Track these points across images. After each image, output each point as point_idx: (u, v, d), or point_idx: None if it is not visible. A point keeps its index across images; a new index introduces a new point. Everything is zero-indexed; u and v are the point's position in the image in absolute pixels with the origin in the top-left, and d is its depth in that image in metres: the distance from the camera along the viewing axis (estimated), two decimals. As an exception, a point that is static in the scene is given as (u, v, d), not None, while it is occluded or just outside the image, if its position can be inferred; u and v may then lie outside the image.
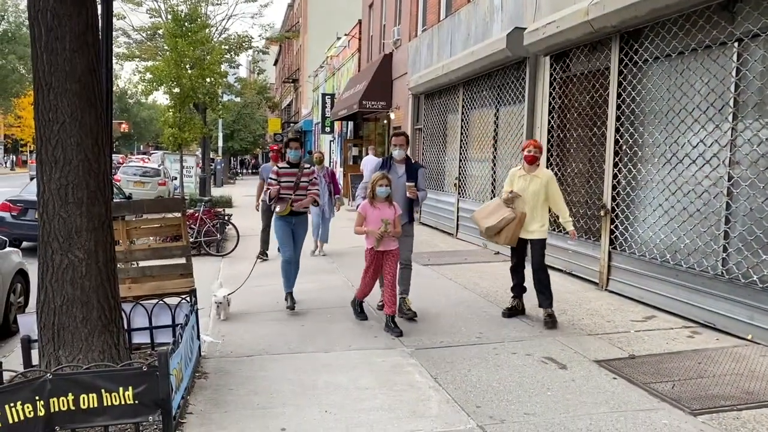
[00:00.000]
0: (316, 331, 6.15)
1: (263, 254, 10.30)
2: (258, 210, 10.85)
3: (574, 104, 8.89)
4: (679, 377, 4.85)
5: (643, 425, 4.04)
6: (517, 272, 6.66)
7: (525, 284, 6.66)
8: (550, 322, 6.22)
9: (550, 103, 9.38)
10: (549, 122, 9.42)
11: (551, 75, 9.33)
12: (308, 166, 7.18)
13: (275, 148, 11.45)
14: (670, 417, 4.16)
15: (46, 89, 4.11)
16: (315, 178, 7.15)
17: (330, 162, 31.24)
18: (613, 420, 4.12)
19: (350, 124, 26.28)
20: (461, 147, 13.03)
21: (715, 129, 6.30)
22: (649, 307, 6.93)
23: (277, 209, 6.91)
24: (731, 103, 6.08)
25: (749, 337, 5.71)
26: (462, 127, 13.00)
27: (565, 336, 5.95)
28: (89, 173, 4.21)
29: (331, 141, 31.32)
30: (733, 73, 6.04)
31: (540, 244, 6.38)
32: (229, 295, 6.75)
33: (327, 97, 28.75)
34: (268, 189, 7.01)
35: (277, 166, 7.10)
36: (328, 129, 29.44)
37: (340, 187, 12.87)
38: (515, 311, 6.65)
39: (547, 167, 9.52)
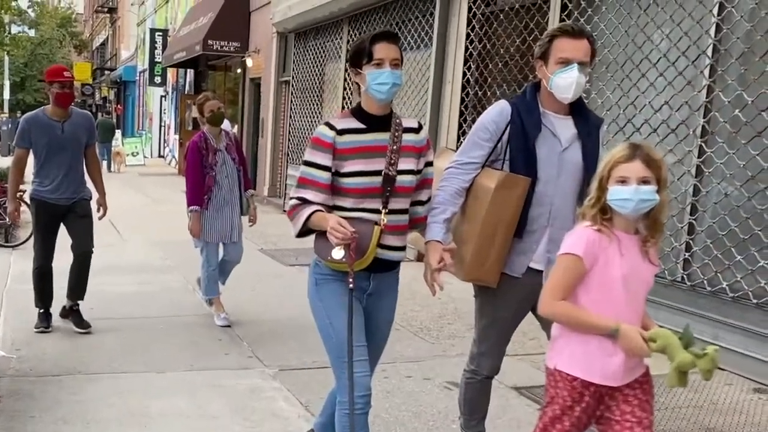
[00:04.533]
0: (146, 346, 6.25)
1: (43, 318, 6.41)
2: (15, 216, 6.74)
3: (499, 51, 8.86)
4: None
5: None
6: None
7: None
8: None
9: (467, 49, 9.32)
10: (464, 75, 9.36)
11: (470, 10, 9.26)
12: (416, 125, 3.55)
13: (59, 70, 6.96)
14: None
15: None
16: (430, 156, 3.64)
17: (162, 125, 30.23)
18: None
19: (190, 72, 25.73)
20: (344, 107, 12.76)
21: (686, 87, 6.33)
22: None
23: (334, 254, 3.26)
24: (709, 52, 6.12)
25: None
26: (346, 79, 12.81)
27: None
28: None
29: (162, 96, 30.78)
30: (715, 12, 6.06)
31: None
32: None
33: (158, 33, 28.20)
34: (297, 208, 3.35)
35: (335, 129, 3.33)
36: (158, 79, 28.86)
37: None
38: None
39: (460, 135, 9.45)
